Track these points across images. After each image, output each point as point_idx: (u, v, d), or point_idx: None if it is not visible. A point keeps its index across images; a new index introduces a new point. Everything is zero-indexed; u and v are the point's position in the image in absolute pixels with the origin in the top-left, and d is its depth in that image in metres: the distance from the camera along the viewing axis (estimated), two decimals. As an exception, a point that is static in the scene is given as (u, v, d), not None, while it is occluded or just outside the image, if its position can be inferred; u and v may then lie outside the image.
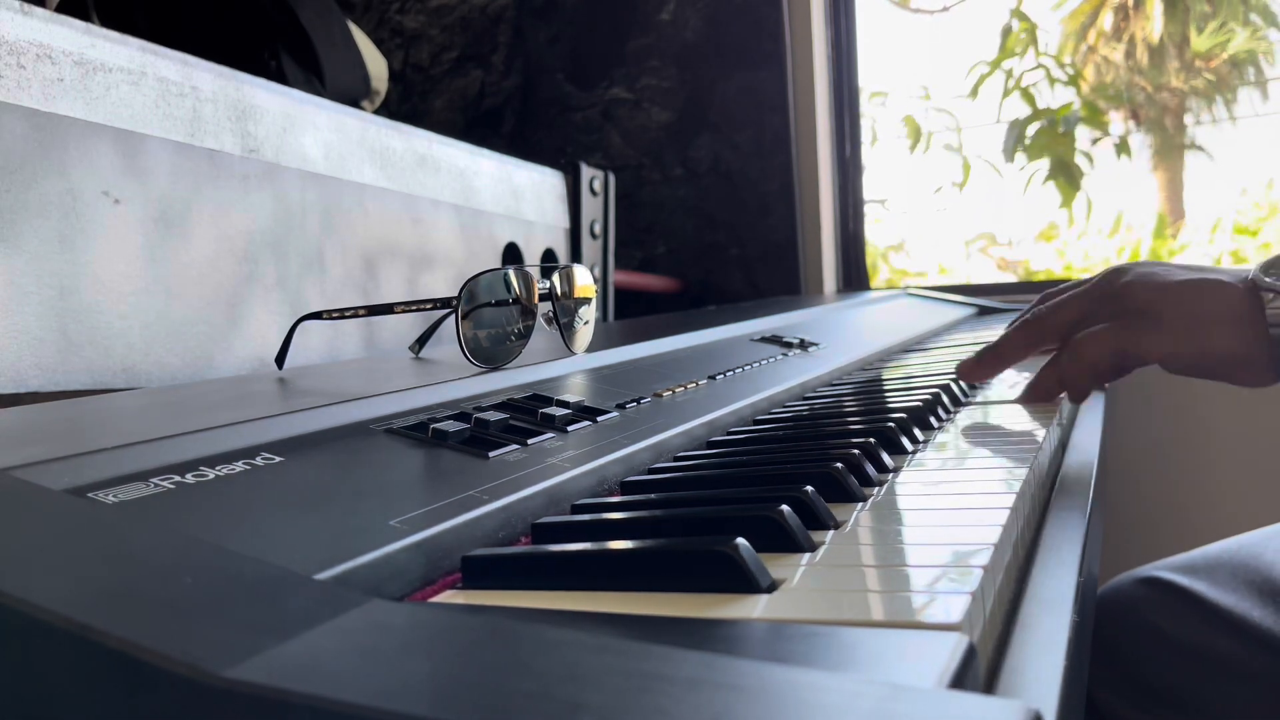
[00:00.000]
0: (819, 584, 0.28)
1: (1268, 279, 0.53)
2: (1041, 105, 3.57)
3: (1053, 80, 3.69)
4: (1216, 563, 0.69)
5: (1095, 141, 3.73)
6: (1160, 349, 0.53)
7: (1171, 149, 4.86)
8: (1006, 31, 3.57)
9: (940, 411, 0.61)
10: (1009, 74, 3.54)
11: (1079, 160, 3.56)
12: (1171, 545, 0.78)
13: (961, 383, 0.72)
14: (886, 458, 0.46)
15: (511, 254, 1.10)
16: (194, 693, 0.18)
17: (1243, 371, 0.54)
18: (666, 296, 1.69)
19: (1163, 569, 0.71)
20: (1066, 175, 3.45)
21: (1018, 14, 3.59)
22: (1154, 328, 0.53)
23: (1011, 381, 0.75)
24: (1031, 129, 3.53)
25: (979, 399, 0.69)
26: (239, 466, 0.33)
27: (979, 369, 0.63)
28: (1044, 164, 3.52)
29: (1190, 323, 0.53)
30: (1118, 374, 0.57)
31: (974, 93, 3.76)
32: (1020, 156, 3.58)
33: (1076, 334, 0.57)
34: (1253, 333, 0.52)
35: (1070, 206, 3.62)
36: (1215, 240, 4.35)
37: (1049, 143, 3.50)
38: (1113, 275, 0.58)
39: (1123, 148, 3.76)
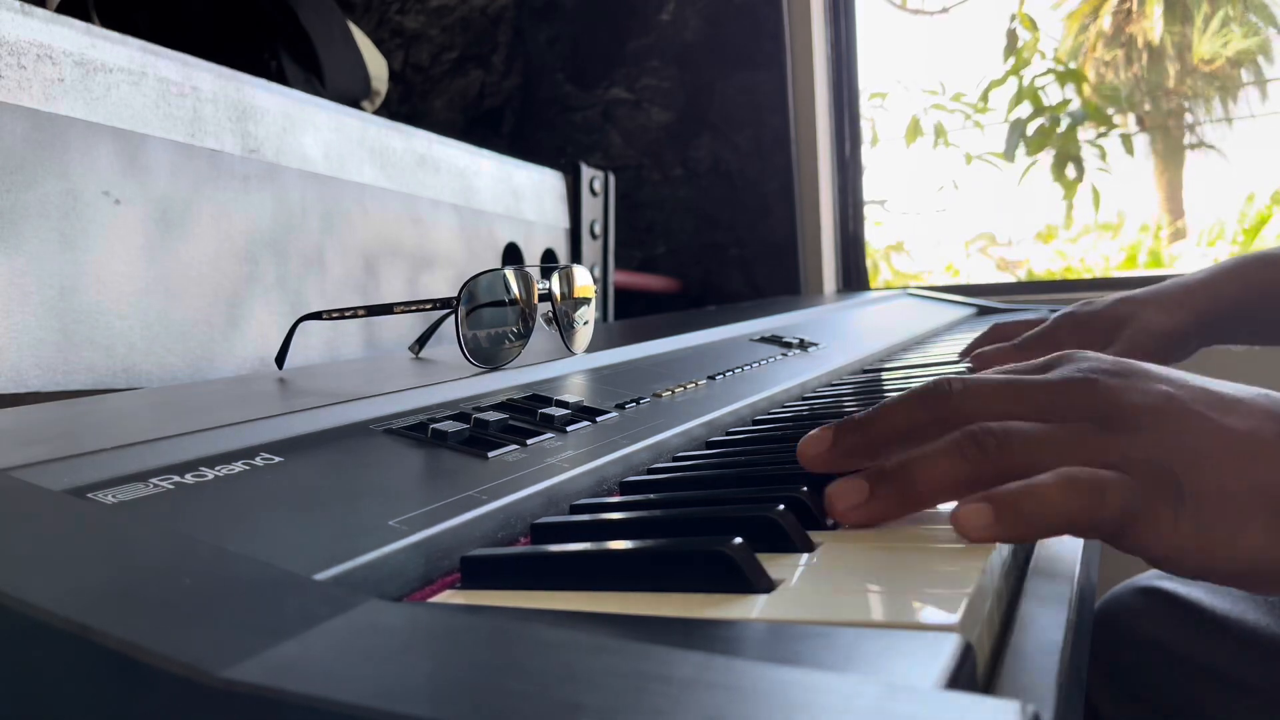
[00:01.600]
0: (817, 584, 0.28)
1: None
2: (1045, 105, 3.58)
3: (1062, 81, 3.69)
4: None
5: (1100, 136, 3.73)
6: (1170, 540, 0.32)
7: (1173, 150, 4.86)
8: (1012, 38, 3.57)
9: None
10: (1020, 79, 3.54)
11: (1085, 152, 3.56)
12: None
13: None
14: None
15: (511, 254, 1.10)
16: (193, 693, 0.18)
17: (1268, 584, 0.34)
18: (666, 296, 1.69)
19: (1161, 577, 0.71)
20: (1073, 167, 3.45)
21: (1022, 17, 3.59)
22: (1168, 507, 0.32)
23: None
24: (1032, 127, 3.53)
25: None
26: (238, 467, 0.33)
27: (870, 509, 0.35)
28: (1045, 158, 3.52)
29: (1216, 510, 0.32)
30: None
31: (983, 98, 3.77)
32: (1022, 156, 3.58)
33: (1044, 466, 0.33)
34: None
35: (1072, 198, 3.62)
36: (1215, 245, 4.35)
37: (1051, 140, 3.50)
38: (1104, 390, 0.36)
39: (1127, 144, 3.76)
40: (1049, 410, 0.36)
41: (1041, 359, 0.40)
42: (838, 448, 0.38)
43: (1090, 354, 0.39)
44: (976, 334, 1.08)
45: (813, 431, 0.39)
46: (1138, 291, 0.76)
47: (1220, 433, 0.34)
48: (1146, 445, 0.33)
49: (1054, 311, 0.80)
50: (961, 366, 0.79)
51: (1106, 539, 0.33)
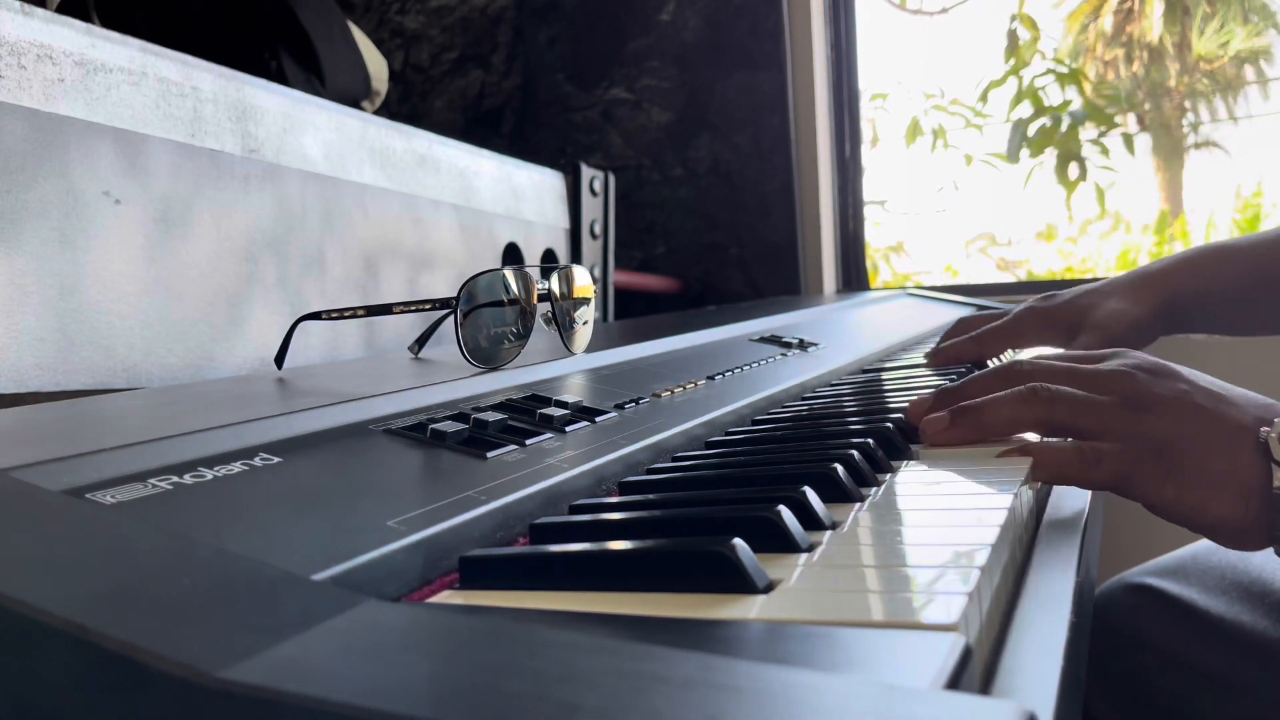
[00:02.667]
0: (816, 584, 0.28)
1: None
2: (1046, 105, 3.57)
3: (1063, 81, 3.69)
4: (1205, 564, 0.69)
5: (1102, 134, 3.73)
6: (1158, 495, 0.45)
7: (1173, 149, 4.86)
8: (1013, 38, 3.56)
9: (939, 412, 0.61)
10: (1020, 80, 3.54)
11: (1087, 151, 3.56)
12: (1171, 546, 0.78)
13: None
14: (885, 458, 0.46)
15: (511, 254, 1.10)
16: (191, 693, 0.18)
17: (1228, 535, 0.47)
18: (666, 296, 1.69)
19: (1151, 574, 0.71)
20: (1077, 166, 3.44)
21: (1022, 17, 3.59)
22: (1159, 472, 0.45)
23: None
24: (1034, 127, 3.53)
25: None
26: (237, 467, 0.33)
27: (952, 432, 0.50)
28: (1047, 158, 3.52)
29: (1198, 479, 0.45)
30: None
31: (983, 98, 3.77)
32: (1024, 156, 3.58)
33: (1082, 427, 0.47)
34: (1255, 501, 0.45)
35: (1071, 195, 3.62)
36: (1210, 240, 4.35)
37: (1053, 140, 3.50)
38: (1134, 381, 0.48)
39: (1128, 143, 3.75)
40: (1092, 389, 0.48)
41: (1099, 352, 0.52)
42: (939, 405, 0.51)
43: (1136, 354, 0.51)
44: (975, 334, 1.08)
45: (916, 399, 0.53)
46: (1098, 283, 0.81)
47: (1213, 423, 0.46)
48: (1155, 426, 0.46)
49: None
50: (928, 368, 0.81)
51: (1108, 490, 0.46)
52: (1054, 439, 0.48)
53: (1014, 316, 0.81)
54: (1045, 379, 0.49)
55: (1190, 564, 0.70)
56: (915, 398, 0.54)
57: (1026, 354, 0.83)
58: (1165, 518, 0.47)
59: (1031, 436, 0.50)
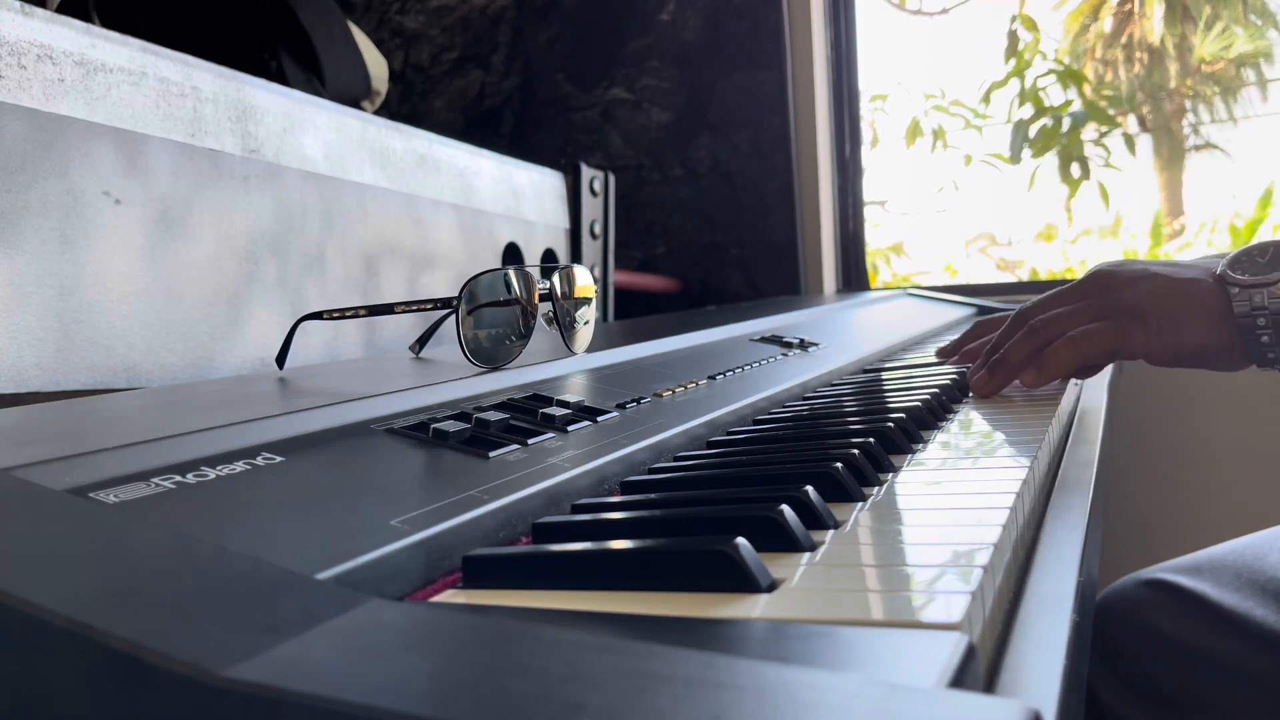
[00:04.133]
0: (819, 584, 0.28)
1: (1234, 274, 0.58)
2: (1047, 105, 3.57)
3: (1065, 82, 3.69)
4: (1221, 564, 0.69)
5: (1103, 135, 3.72)
6: (1147, 345, 0.59)
7: (1174, 150, 4.86)
8: (1013, 39, 3.56)
9: (940, 411, 0.61)
10: (1022, 80, 3.54)
11: (1090, 152, 3.55)
12: (1172, 546, 0.78)
13: (962, 383, 0.72)
14: (886, 457, 0.46)
15: (512, 254, 1.10)
16: (195, 692, 0.18)
17: (1217, 359, 0.59)
18: (666, 296, 1.69)
19: (1166, 571, 0.71)
20: (1078, 166, 3.44)
21: (1023, 17, 3.59)
22: (1141, 326, 0.59)
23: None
24: (1034, 128, 3.53)
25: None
26: (240, 466, 0.33)
27: (993, 383, 0.65)
28: (1050, 159, 3.52)
29: (1173, 320, 0.58)
30: (1098, 369, 0.64)
31: (985, 100, 3.77)
32: (1026, 156, 3.58)
33: (1070, 331, 0.61)
34: (1225, 324, 0.58)
35: (1073, 196, 3.62)
36: (1213, 242, 4.34)
37: (1054, 141, 3.50)
38: (1100, 277, 0.63)
39: (1129, 144, 3.75)
40: (1073, 299, 0.63)
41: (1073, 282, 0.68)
42: (980, 366, 0.67)
43: (1102, 265, 0.66)
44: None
45: (973, 380, 0.67)
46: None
47: (1173, 282, 0.60)
48: (1126, 297, 0.60)
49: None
50: (944, 364, 0.85)
51: (1109, 359, 0.61)
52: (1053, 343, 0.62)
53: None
54: (1039, 312, 0.65)
55: (1205, 563, 0.70)
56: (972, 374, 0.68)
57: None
58: (1159, 362, 0.60)
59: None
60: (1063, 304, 0.64)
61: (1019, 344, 0.64)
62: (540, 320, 0.56)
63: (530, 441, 0.42)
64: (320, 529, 0.30)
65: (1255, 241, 0.60)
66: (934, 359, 0.89)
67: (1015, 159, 3.61)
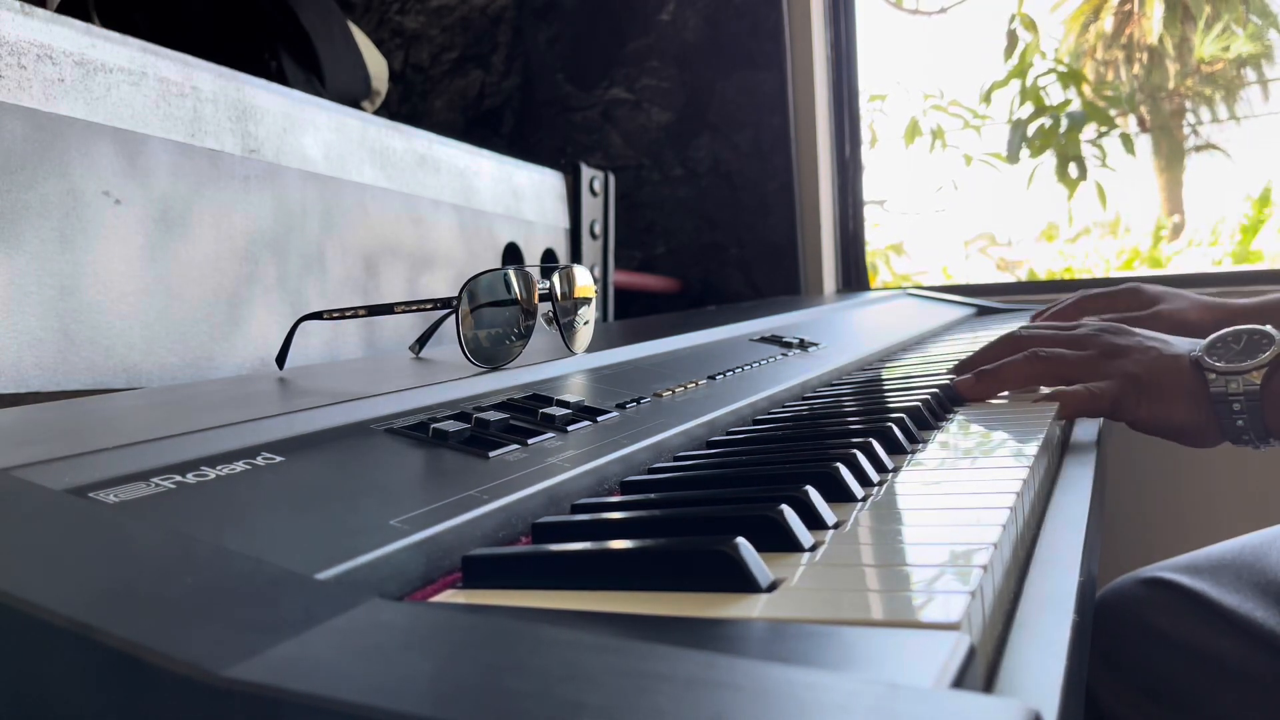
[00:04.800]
0: (819, 583, 0.28)
1: (1210, 360, 0.62)
2: (1046, 105, 3.57)
3: (1065, 82, 3.69)
4: (1220, 564, 0.69)
5: (1101, 135, 3.72)
6: (1136, 413, 0.63)
7: (1174, 151, 4.86)
8: (1013, 38, 3.56)
9: (939, 411, 0.61)
10: (1023, 80, 3.54)
11: (1087, 152, 3.55)
12: (1171, 545, 0.78)
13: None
14: (886, 457, 0.46)
15: (511, 254, 1.10)
16: (195, 692, 0.18)
17: (1194, 436, 0.64)
18: (666, 296, 1.69)
19: (1165, 570, 0.71)
20: (1077, 166, 3.44)
21: (1022, 17, 3.59)
22: (1135, 396, 0.62)
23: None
24: (1033, 128, 3.53)
25: (979, 399, 0.69)
26: (240, 466, 0.33)
27: (977, 388, 0.67)
28: (1047, 159, 3.52)
29: (1163, 395, 0.62)
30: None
31: (985, 99, 3.77)
32: (1025, 156, 3.58)
33: (1076, 375, 0.65)
34: (1202, 405, 0.62)
35: (1072, 196, 3.62)
36: (1218, 243, 4.35)
37: (1053, 141, 3.50)
38: (1103, 333, 0.67)
39: (1127, 144, 3.75)
40: (1076, 347, 0.67)
41: (1071, 324, 0.72)
42: (965, 370, 0.70)
43: (1095, 322, 0.72)
44: (975, 334, 1.09)
45: (958, 380, 0.68)
46: (1187, 291, 0.93)
47: (1163, 358, 0.64)
48: (1125, 365, 0.64)
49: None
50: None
51: (1105, 415, 0.64)
52: (1067, 388, 0.65)
53: (1119, 289, 0.96)
54: (1039, 344, 0.68)
55: (1205, 562, 0.70)
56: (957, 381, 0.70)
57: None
58: (1144, 430, 0.64)
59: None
60: (1066, 345, 0.67)
61: (1021, 367, 0.66)
62: (540, 320, 0.56)
63: (530, 441, 0.42)
64: (320, 529, 0.30)
65: (1228, 329, 0.64)
66: (934, 359, 0.89)
67: (1013, 159, 3.61)
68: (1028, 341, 0.69)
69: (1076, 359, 0.65)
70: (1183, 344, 0.66)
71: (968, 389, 0.67)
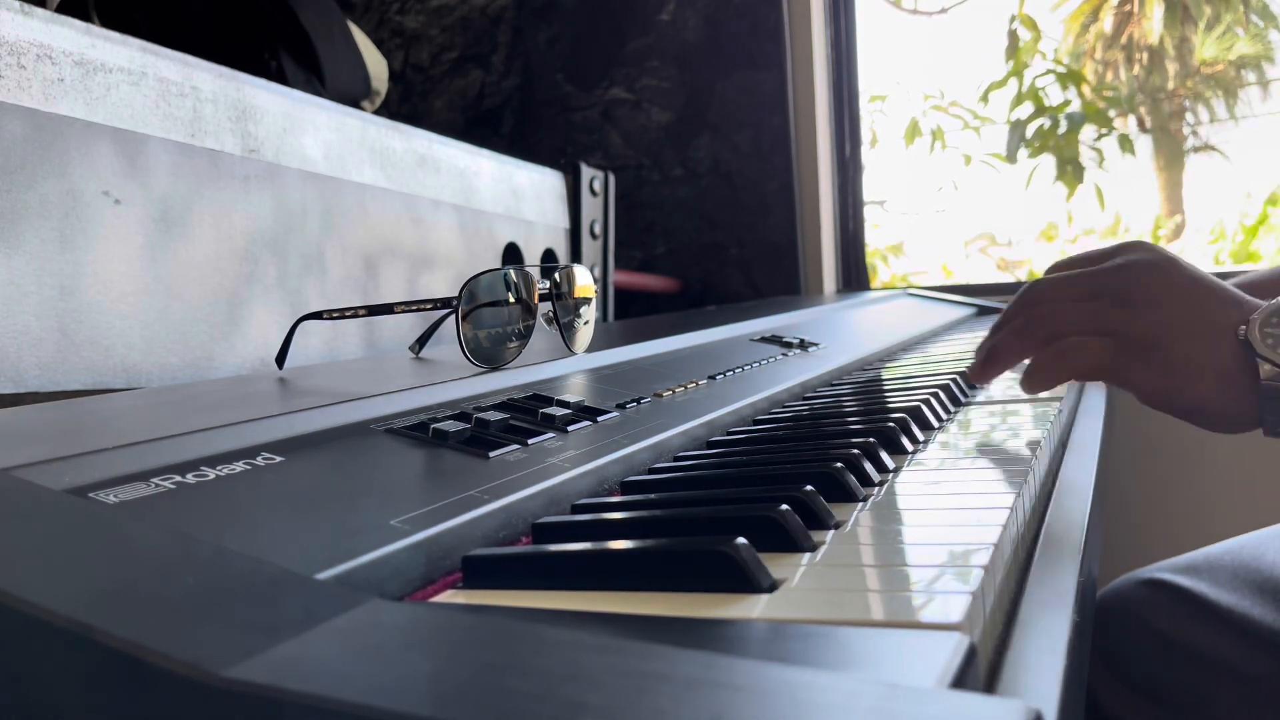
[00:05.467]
0: (819, 584, 0.28)
1: (1266, 341, 0.50)
2: (1046, 105, 3.58)
3: (1064, 82, 3.69)
4: (1218, 563, 0.69)
5: (1100, 137, 3.72)
6: (1148, 385, 0.52)
7: (1173, 152, 4.86)
8: (1013, 38, 3.56)
9: (940, 411, 0.61)
10: (1021, 80, 3.54)
11: (1085, 154, 3.56)
12: (1171, 545, 0.78)
13: (961, 383, 0.72)
14: (886, 457, 0.46)
15: (511, 254, 1.10)
16: (195, 692, 0.18)
17: (1213, 420, 0.52)
18: (666, 296, 1.69)
19: (1164, 570, 0.72)
20: (1072, 169, 3.44)
21: (1022, 17, 3.59)
22: (1147, 362, 0.51)
23: (1010, 380, 0.75)
24: (1032, 128, 3.53)
25: (979, 399, 0.69)
26: (239, 466, 0.33)
27: (986, 372, 0.60)
28: (1046, 160, 3.52)
29: (1179, 367, 0.51)
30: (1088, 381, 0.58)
31: (984, 99, 3.77)
32: (1024, 157, 3.58)
33: (1071, 333, 0.54)
34: (1235, 388, 0.50)
35: (1072, 196, 3.62)
36: (1217, 243, 4.35)
37: (1052, 141, 3.50)
38: (1126, 278, 0.54)
39: (1125, 145, 3.75)
40: (1090, 291, 0.54)
41: (1110, 247, 0.58)
42: (985, 349, 0.60)
43: (1139, 251, 0.56)
44: (975, 334, 1.10)
45: (974, 364, 0.61)
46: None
47: (1196, 320, 0.51)
48: (1139, 320, 0.52)
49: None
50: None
51: (1097, 378, 0.54)
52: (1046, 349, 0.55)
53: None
54: (1049, 296, 0.56)
55: (1203, 562, 0.70)
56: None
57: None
58: (1148, 403, 0.53)
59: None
60: (1074, 293, 0.55)
61: (1011, 340, 0.58)
62: (540, 320, 0.56)
63: (530, 441, 0.42)
64: (320, 529, 0.30)
65: None
66: (934, 359, 0.89)
67: (1012, 159, 3.62)
68: (1037, 296, 0.57)
69: (1079, 311, 0.54)
70: (1225, 295, 0.52)
71: (975, 376, 0.60)
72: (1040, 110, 3.56)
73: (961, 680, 0.20)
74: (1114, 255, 0.57)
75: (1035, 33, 3.60)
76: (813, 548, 0.32)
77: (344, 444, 0.38)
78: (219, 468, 0.32)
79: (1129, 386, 0.53)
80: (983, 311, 1.46)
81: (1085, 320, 0.53)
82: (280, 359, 0.57)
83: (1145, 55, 4.91)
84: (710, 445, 0.53)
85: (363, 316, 0.57)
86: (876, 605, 0.26)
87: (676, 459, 0.49)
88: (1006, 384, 0.75)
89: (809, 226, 1.66)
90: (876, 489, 0.41)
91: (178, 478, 0.31)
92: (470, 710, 0.17)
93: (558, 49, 1.82)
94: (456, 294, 0.51)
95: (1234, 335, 0.50)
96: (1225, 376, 0.50)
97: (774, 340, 0.85)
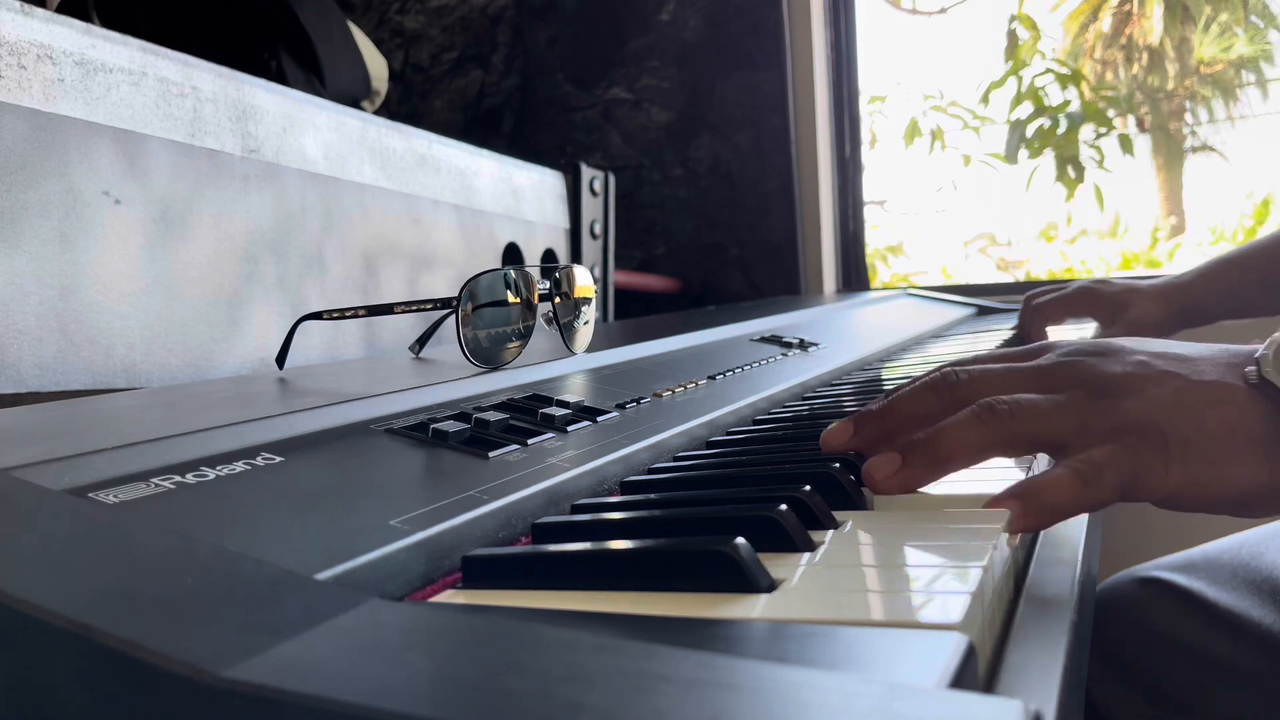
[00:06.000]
0: (818, 584, 0.28)
1: None
2: (1046, 105, 3.58)
3: (1064, 82, 3.69)
4: (1216, 562, 0.69)
5: (1099, 137, 3.73)
6: (1163, 488, 0.37)
7: (1173, 152, 4.86)
8: (1012, 38, 3.57)
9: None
10: (1020, 80, 3.55)
11: (1085, 154, 3.56)
12: (1170, 544, 0.78)
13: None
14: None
15: (511, 254, 1.10)
16: (194, 692, 0.18)
17: (1263, 505, 0.38)
18: (666, 296, 1.69)
19: (1162, 568, 0.72)
20: (1072, 168, 3.45)
21: (1022, 17, 3.59)
22: (1162, 455, 0.37)
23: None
24: (1032, 128, 3.54)
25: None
26: (239, 466, 0.33)
27: (902, 475, 0.39)
28: (1046, 160, 3.53)
29: (1204, 449, 0.37)
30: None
31: (984, 99, 3.77)
32: (1023, 157, 3.59)
33: (1079, 454, 0.37)
34: (1277, 457, 0.36)
35: (1071, 196, 3.62)
36: (1218, 245, 4.35)
37: (1052, 141, 3.51)
38: (1080, 362, 0.40)
39: (1125, 144, 3.75)
40: (1046, 388, 0.40)
41: (1026, 349, 0.44)
42: (859, 436, 0.42)
43: (1066, 340, 0.44)
44: (975, 334, 1.09)
45: (833, 425, 0.43)
46: (1141, 283, 0.97)
47: (1192, 387, 0.38)
48: (1132, 408, 0.38)
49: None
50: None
51: (1113, 502, 0.37)
52: (1048, 470, 0.37)
53: (1072, 291, 0.98)
54: (987, 389, 0.40)
55: (1200, 561, 0.70)
56: (831, 426, 0.43)
57: (985, 345, 0.94)
58: (1180, 508, 0.38)
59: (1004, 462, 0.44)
60: (1029, 385, 0.40)
61: (963, 425, 0.39)
62: (540, 320, 0.56)
63: (530, 442, 0.42)
64: (320, 529, 0.30)
65: None
66: (933, 359, 0.89)
67: (1012, 159, 3.62)
68: (970, 386, 0.41)
69: (1053, 407, 0.38)
70: (1208, 355, 0.40)
71: (887, 476, 0.39)
72: (1040, 110, 3.56)
73: (960, 680, 0.20)
74: (1041, 352, 0.43)
75: (1035, 33, 3.60)
76: (812, 548, 0.32)
77: (344, 444, 0.38)
78: (219, 468, 0.32)
79: (1155, 495, 0.38)
80: (983, 311, 1.46)
81: (1065, 420, 0.38)
82: (280, 359, 0.57)
83: (1144, 55, 4.91)
84: (710, 445, 0.53)
85: (363, 317, 0.57)
86: (876, 605, 0.26)
87: (676, 459, 0.49)
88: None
89: (809, 226, 1.66)
90: (876, 489, 0.41)
91: (177, 478, 0.31)
92: (470, 710, 0.17)
93: (558, 49, 1.82)
94: (456, 294, 0.51)
95: (1243, 384, 0.38)
96: (1256, 442, 0.37)
97: (774, 340, 0.85)
